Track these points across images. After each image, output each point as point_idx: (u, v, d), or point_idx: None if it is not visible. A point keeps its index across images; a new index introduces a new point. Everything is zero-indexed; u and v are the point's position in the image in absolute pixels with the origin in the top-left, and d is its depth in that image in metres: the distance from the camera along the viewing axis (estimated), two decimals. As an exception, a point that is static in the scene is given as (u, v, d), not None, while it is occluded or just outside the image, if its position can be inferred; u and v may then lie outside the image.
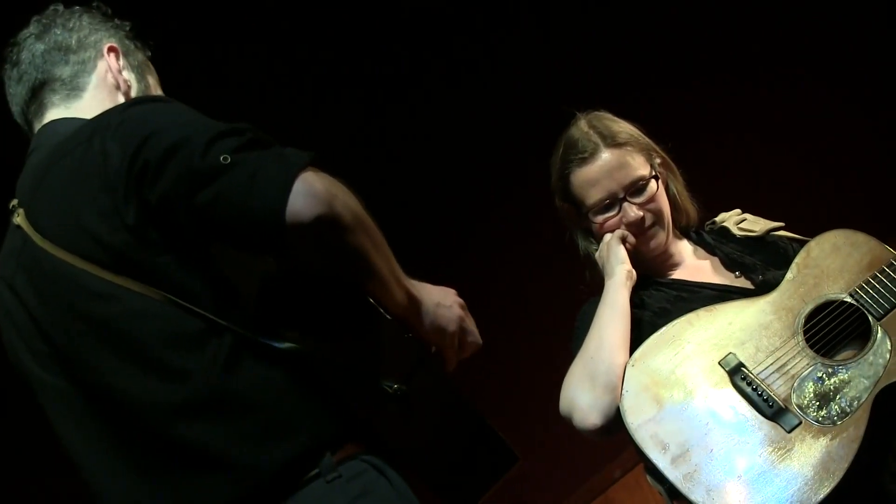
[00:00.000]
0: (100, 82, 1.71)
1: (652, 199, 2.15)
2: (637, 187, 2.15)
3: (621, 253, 2.14)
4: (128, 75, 1.75)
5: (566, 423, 2.06)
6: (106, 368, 1.45)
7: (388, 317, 1.49)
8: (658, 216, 2.17)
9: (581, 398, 2.00)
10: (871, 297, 1.94)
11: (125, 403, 1.44)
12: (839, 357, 1.92)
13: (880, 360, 1.87)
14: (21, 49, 1.72)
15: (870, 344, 1.90)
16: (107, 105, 1.65)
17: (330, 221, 1.35)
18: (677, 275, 2.22)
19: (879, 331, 1.90)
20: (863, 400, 1.84)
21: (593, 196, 2.16)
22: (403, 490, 1.47)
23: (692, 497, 1.80)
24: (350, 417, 1.45)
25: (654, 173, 2.17)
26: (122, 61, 1.75)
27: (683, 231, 2.30)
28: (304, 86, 3.55)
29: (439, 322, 1.56)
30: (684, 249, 2.26)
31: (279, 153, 1.39)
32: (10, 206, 1.59)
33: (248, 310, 1.43)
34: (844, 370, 1.88)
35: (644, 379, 1.96)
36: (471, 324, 1.62)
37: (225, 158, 1.35)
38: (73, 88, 1.70)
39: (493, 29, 3.66)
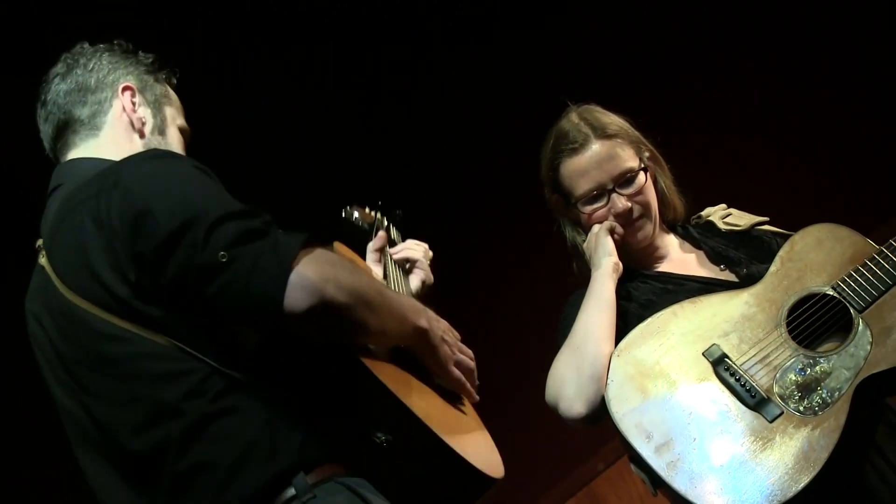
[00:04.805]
0: (115, 121, 1.81)
1: (640, 191, 2.19)
2: (626, 179, 2.18)
3: (609, 244, 2.16)
4: (143, 112, 1.84)
5: (550, 415, 2.08)
6: (106, 404, 1.56)
7: (374, 374, 1.57)
8: (646, 208, 2.20)
9: (567, 387, 2.02)
10: (853, 290, 1.96)
11: (121, 439, 1.54)
12: (821, 349, 1.94)
13: (861, 352, 1.89)
14: (49, 88, 1.84)
15: (851, 336, 1.92)
16: (121, 143, 1.77)
17: (322, 308, 1.45)
18: (663, 267, 2.25)
19: (861, 323, 1.92)
20: (844, 391, 1.86)
21: (582, 186, 2.18)
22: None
23: (675, 485, 1.83)
24: (328, 444, 1.53)
25: (642, 166, 2.20)
26: (137, 98, 1.84)
27: (670, 225, 2.33)
28: (294, 80, 3.57)
29: (444, 349, 1.70)
30: (670, 243, 2.29)
31: (274, 243, 1.47)
32: (37, 246, 1.70)
33: (247, 358, 1.53)
34: (826, 361, 1.90)
35: (629, 369, 1.99)
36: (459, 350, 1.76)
37: (223, 256, 1.45)
38: (92, 128, 1.80)
39: (482, 22, 3.68)
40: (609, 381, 1.98)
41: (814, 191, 3.37)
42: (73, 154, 1.80)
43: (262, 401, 1.50)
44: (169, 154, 1.73)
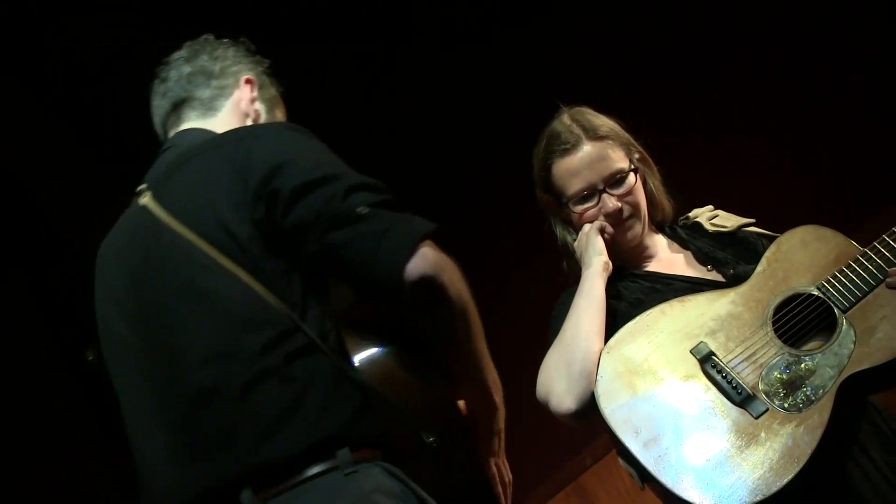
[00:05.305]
0: (233, 107, 1.88)
1: (630, 191, 2.21)
2: (616, 179, 2.20)
3: (599, 244, 2.19)
4: (259, 106, 1.92)
5: (541, 410, 2.11)
6: (182, 330, 1.55)
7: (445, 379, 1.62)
8: (635, 208, 2.22)
9: (557, 384, 2.05)
10: (837, 291, 1.99)
11: (184, 367, 1.53)
12: (806, 347, 1.97)
13: (845, 351, 1.92)
14: (171, 68, 1.92)
15: (835, 335, 1.95)
16: (235, 126, 1.81)
17: (430, 287, 1.50)
18: (652, 267, 2.27)
19: (845, 322, 1.95)
20: (827, 388, 1.89)
21: (574, 186, 2.21)
22: (421, 495, 1.52)
23: (662, 479, 1.86)
24: (376, 427, 1.53)
25: (632, 167, 2.23)
26: (255, 93, 1.92)
27: (658, 225, 2.35)
28: (292, 80, 3.58)
29: (496, 443, 1.73)
30: (659, 243, 2.32)
31: (409, 219, 1.54)
32: (138, 190, 1.73)
33: (330, 325, 1.55)
34: (810, 360, 1.93)
35: (618, 366, 2.01)
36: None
37: (363, 209, 1.50)
38: (210, 109, 1.87)
39: (478, 23, 3.69)
40: (598, 377, 2.01)
41: (799, 192, 3.39)
42: (188, 126, 1.85)
43: (329, 369, 1.50)
44: (305, 129, 1.77)
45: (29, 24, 3.31)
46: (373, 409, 1.52)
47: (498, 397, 1.70)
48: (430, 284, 1.49)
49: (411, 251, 1.48)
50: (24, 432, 3.10)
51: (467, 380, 1.65)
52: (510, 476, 1.77)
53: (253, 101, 1.91)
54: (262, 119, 1.91)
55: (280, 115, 1.98)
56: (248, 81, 1.92)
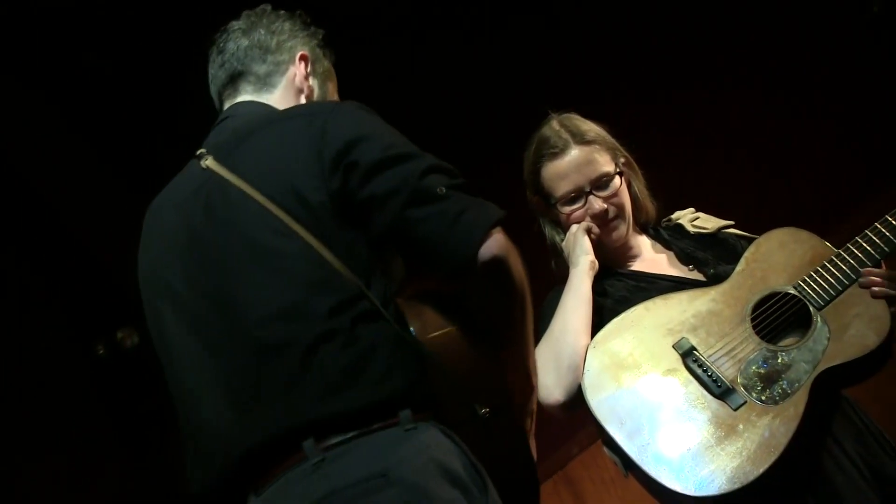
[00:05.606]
0: (288, 84, 1.91)
1: (615, 193, 2.28)
2: (602, 182, 2.27)
3: (586, 244, 2.25)
4: (312, 82, 1.94)
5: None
6: (246, 287, 1.56)
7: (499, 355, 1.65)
8: (620, 210, 2.29)
9: (546, 377, 2.11)
10: (813, 290, 2.06)
11: (246, 323, 1.53)
12: (783, 343, 2.04)
13: (819, 347, 1.99)
14: (228, 39, 1.94)
15: (810, 331, 2.01)
16: (290, 103, 1.86)
17: (502, 267, 1.54)
18: (636, 266, 2.33)
19: (819, 320, 2.02)
20: (803, 382, 1.95)
21: (562, 188, 2.28)
22: (472, 458, 1.54)
23: (645, 467, 1.92)
24: (432, 393, 1.55)
25: (618, 170, 2.29)
26: (309, 68, 1.94)
27: (643, 227, 2.42)
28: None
29: (528, 423, 1.77)
30: (643, 243, 2.38)
31: (484, 203, 1.58)
32: (198, 153, 1.76)
33: (391, 295, 1.58)
34: (787, 355, 2.00)
35: (604, 360, 2.08)
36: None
37: (441, 189, 1.54)
38: (265, 84, 1.90)
39: (474, 24, 3.70)
40: (585, 370, 2.07)
41: (777, 196, 3.44)
42: (244, 98, 1.89)
43: (391, 335, 1.53)
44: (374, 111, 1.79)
45: (29, 23, 3.33)
46: (429, 376, 1.54)
47: (535, 380, 1.76)
48: (499, 266, 1.53)
49: (486, 232, 1.52)
50: (31, 429, 3.06)
51: (514, 362, 1.70)
52: (536, 457, 1.81)
53: (307, 77, 1.93)
54: (316, 93, 1.94)
55: (332, 88, 2.00)
56: (302, 58, 1.93)
